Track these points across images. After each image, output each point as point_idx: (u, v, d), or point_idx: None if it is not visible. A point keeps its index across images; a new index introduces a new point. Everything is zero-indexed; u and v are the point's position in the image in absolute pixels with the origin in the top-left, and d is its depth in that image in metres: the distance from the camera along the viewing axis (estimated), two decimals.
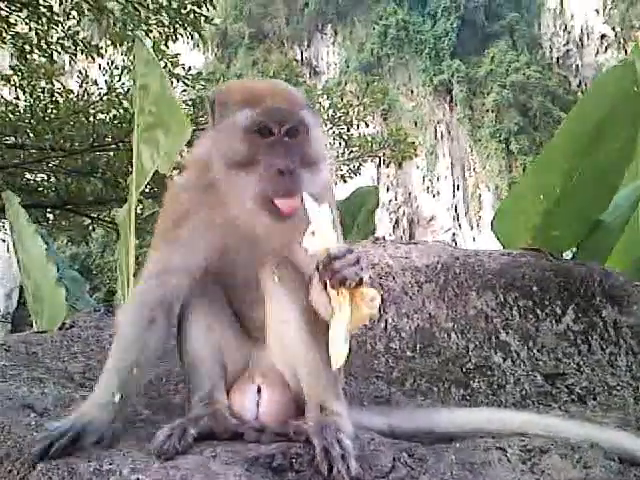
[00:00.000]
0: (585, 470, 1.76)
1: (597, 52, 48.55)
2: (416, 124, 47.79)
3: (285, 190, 1.67)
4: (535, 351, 2.71)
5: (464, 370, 2.60)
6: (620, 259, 3.43)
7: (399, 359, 2.62)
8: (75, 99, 11.13)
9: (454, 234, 44.83)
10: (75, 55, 10.72)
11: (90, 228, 12.75)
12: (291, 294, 1.81)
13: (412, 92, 50.81)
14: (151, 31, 9.91)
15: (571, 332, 2.79)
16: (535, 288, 2.89)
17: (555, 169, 3.20)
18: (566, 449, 1.84)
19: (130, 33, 9.60)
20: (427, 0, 52.04)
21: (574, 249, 3.34)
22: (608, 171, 3.14)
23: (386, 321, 2.75)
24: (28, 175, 11.85)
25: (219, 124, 1.80)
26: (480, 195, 47.86)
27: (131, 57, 10.45)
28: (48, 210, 12.06)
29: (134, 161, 3.29)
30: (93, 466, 1.50)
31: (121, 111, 10.09)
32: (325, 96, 11.45)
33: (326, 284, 1.56)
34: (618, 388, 2.59)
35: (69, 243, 17.08)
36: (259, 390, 1.87)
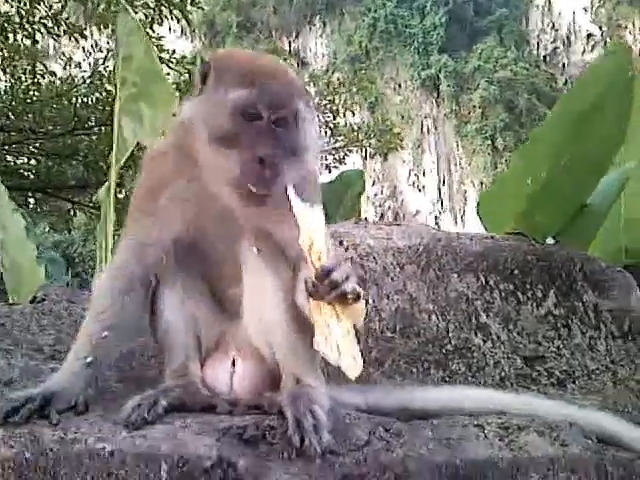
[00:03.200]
0: (562, 448, 1.74)
1: (584, 51, 48.88)
2: (403, 118, 47.83)
3: (262, 180, 1.62)
4: (515, 334, 2.70)
5: (444, 351, 2.58)
6: (603, 244, 3.42)
7: (378, 340, 2.59)
8: (58, 82, 10.97)
9: (437, 224, 44.99)
10: (58, 36, 10.53)
11: (71, 213, 12.58)
12: (269, 268, 1.77)
13: (399, 86, 50.86)
14: (136, 12, 9.75)
15: (552, 316, 2.78)
16: (517, 272, 2.88)
17: (543, 153, 3.18)
18: (544, 427, 1.82)
19: (114, 15, 9.43)
20: None
21: (557, 234, 3.32)
22: (596, 157, 3.12)
23: (366, 302, 2.70)
24: (8, 157, 11.65)
25: (210, 94, 1.73)
26: (465, 191, 48.11)
27: (114, 40, 10.30)
28: (29, 194, 11.88)
29: (114, 134, 3.22)
30: (57, 434, 1.45)
31: (104, 94, 9.94)
32: (312, 83, 11.39)
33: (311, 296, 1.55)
34: (597, 372, 2.59)
35: (51, 230, 16.88)
36: (234, 363, 1.82)
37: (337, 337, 1.53)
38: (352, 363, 1.53)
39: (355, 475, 1.50)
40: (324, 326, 1.54)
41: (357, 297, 1.54)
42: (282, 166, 1.64)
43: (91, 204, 11.82)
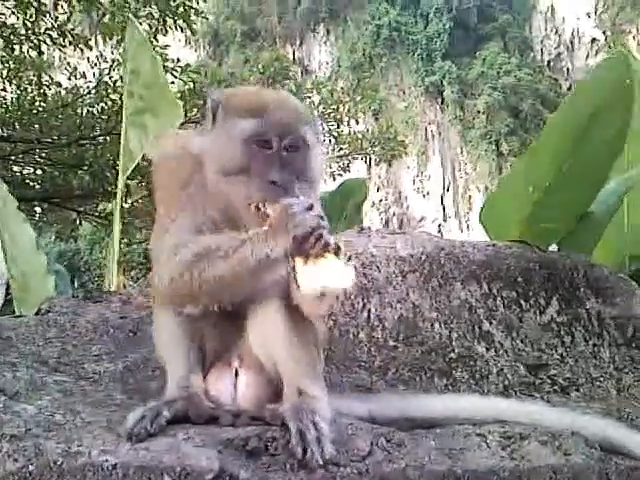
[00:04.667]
0: (565, 457, 1.74)
1: (588, 56, 48.83)
2: (407, 124, 47.86)
3: (275, 197, 1.68)
4: (518, 342, 2.70)
5: (447, 360, 2.57)
6: (606, 251, 3.42)
7: (382, 348, 2.59)
8: (63, 92, 11.05)
9: (440, 231, 44.90)
10: (64, 47, 10.62)
11: (77, 222, 12.63)
12: (273, 280, 1.77)
13: (403, 92, 50.91)
14: (141, 23, 9.82)
15: (555, 323, 2.78)
16: (520, 279, 2.88)
17: (545, 160, 3.19)
18: (546, 436, 1.82)
19: (119, 25, 9.52)
20: (420, 1, 52.13)
21: (560, 241, 3.32)
22: (597, 163, 3.13)
23: (369, 310, 2.72)
24: (15, 167, 11.73)
25: (221, 127, 1.80)
26: (470, 196, 48.03)
27: (121, 49, 10.38)
28: (35, 204, 11.95)
29: (122, 145, 3.25)
30: (61, 447, 1.46)
31: (109, 103, 10.00)
32: (315, 91, 11.42)
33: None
34: (601, 379, 2.58)
35: (57, 240, 16.95)
36: (236, 375, 1.83)
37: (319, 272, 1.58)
38: (342, 274, 1.58)
39: None
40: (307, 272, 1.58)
41: (337, 248, 1.59)
42: (294, 189, 1.70)
43: (97, 213, 11.89)
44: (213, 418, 1.71)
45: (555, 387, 2.52)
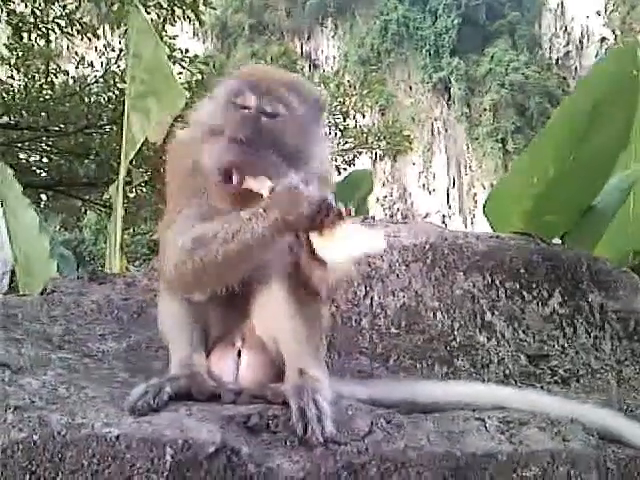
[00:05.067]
0: (563, 443, 1.75)
1: (597, 54, 48.56)
2: (414, 120, 47.76)
3: (235, 156, 1.66)
4: (520, 332, 2.70)
5: (448, 348, 2.59)
6: (609, 245, 3.42)
7: (383, 336, 2.60)
8: (71, 80, 11.07)
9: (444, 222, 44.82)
10: (72, 36, 10.63)
11: (82, 211, 12.67)
12: (276, 261, 1.79)
13: (410, 88, 50.80)
14: (149, 13, 9.82)
15: (557, 315, 2.78)
16: (522, 271, 2.88)
17: (549, 153, 3.19)
18: (545, 422, 1.83)
19: (128, 14, 9.51)
20: None
21: (564, 234, 3.32)
22: (602, 157, 3.12)
23: (372, 298, 2.73)
24: (21, 155, 11.77)
25: (214, 93, 1.83)
26: (475, 193, 47.94)
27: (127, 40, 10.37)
28: (40, 191, 11.99)
29: (124, 131, 3.26)
30: (65, 419, 1.48)
31: (117, 92, 10.02)
32: (322, 84, 11.42)
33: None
34: (601, 371, 2.59)
35: (62, 229, 17.00)
36: (239, 354, 1.85)
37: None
38: (374, 238, 1.59)
39: (356, 464, 1.52)
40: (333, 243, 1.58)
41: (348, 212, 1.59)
42: (264, 153, 1.66)
43: (102, 202, 11.91)
44: (215, 396, 1.72)
45: (555, 378, 2.53)
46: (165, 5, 9.78)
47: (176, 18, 10.08)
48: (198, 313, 1.87)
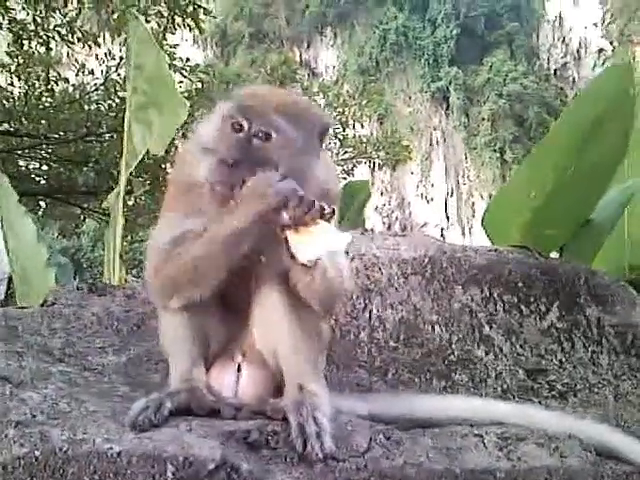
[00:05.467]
0: (561, 459, 1.76)
1: (594, 65, 48.83)
2: (412, 130, 47.90)
3: (221, 177, 1.69)
4: (518, 346, 2.72)
5: (446, 362, 2.60)
6: (607, 259, 3.44)
7: (382, 349, 2.61)
8: (71, 88, 11.10)
9: (442, 235, 44.88)
10: (72, 44, 10.67)
11: (81, 218, 12.67)
12: (276, 276, 1.80)
13: (409, 98, 50.96)
14: (149, 22, 9.88)
15: (555, 329, 2.80)
16: (520, 285, 2.90)
17: (547, 166, 3.21)
18: (543, 438, 1.84)
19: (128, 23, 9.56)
20: (428, 6, 52.19)
21: (561, 248, 3.34)
22: (599, 170, 3.15)
23: (370, 311, 2.74)
24: (20, 162, 11.78)
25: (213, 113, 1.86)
26: (473, 203, 48.03)
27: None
28: (39, 198, 12.00)
29: (125, 142, 3.28)
30: (66, 434, 1.49)
31: (117, 100, 10.05)
32: (321, 94, 11.47)
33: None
34: (599, 386, 2.60)
35: (59, 236, 16.98)
36: (239, 369, 1.86)
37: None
38: (339, 236, 1.63)
39: None
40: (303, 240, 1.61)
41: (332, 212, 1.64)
42: (248, 173, 1.68)
43: (100, 210, 11.91)
44: (215, 411, 1.73)
45: (553, 392, 2.54)
46: (165, 14, 9.83)
47: (176, 26, 10.14)
48: (198, 327, 1.88)
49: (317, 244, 1.61)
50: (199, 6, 9.72)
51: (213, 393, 1.81)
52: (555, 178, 3.23)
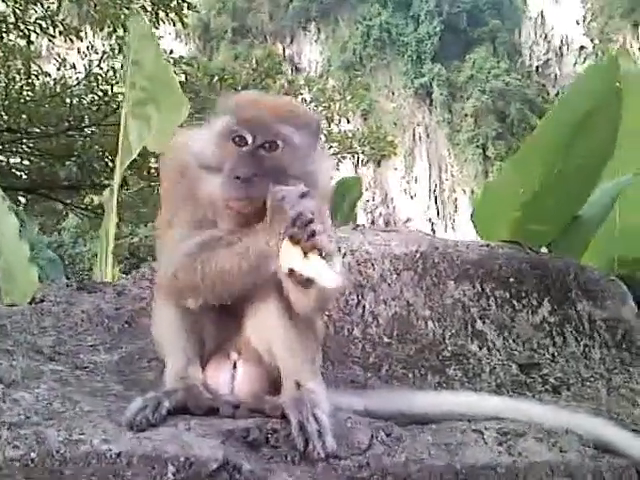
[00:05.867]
0: (561, 454, 1.76)
1: (575, 63, 49.32)
2: (395, 125, 48.02)
3: (237, 194, 1.66)
4: (511, 341, 2.72)
5: (440, 358, 2.59)
6: (595, 255, 3.46)
7: (376, 345, 2.60)
8: (52, 82, 10.95)
9: (432, 229, 45.10)
10: (53, 37, 10.52)
11: (63, 214, 12.51)
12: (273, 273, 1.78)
13: (393, 94, 51.08)
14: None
15: (546, 324, 2.81)
16: (512, 280, 2.90)
17: (536, 163, 3.22)
18: (542, 433, 1.85)
19: (113, 16, 9.46)
20: (411, 3, 52.30)
21: (550, 243, 3.36)
22: (588, 167, 3.16)
23: (364, 307, 2.73)
24: (1, 157, 11.59)
25: (207, 124, 1.82)
26: (456, 198, 48.32)
27: (112, 42, 10.29)
28: (21, 194, 11.82)
29: (120, 137, 3.22)
30: (62, 435, 1.45)
31: (100, 94, 9.93)
32: (307, 88, 11.42)
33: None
34: (591, 380, 2.61)
35: (41, 231, 16.77)
36: (235, 366, 1.83)
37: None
38: (330, 274, 1.56)
39: (358, 479, 1.52)
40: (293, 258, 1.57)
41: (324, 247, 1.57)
42: (263, 186, 1.66)
43: (83, 205, 11.79)
44: (212, 409, 1.71)
45: (546, 386, 2.55)
46: (149, 8, 9.72)
47: (160, 21, 10.02)
48: (194, 324, 1.85)
49: (301, 264, 1.57)
50: (183, 0, 9.61)
51: (210, 391, 1.78)
52: (544, 174, 3.24)
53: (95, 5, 9.91)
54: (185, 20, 10.46)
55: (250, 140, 1.71)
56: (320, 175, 1.81)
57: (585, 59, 48.30)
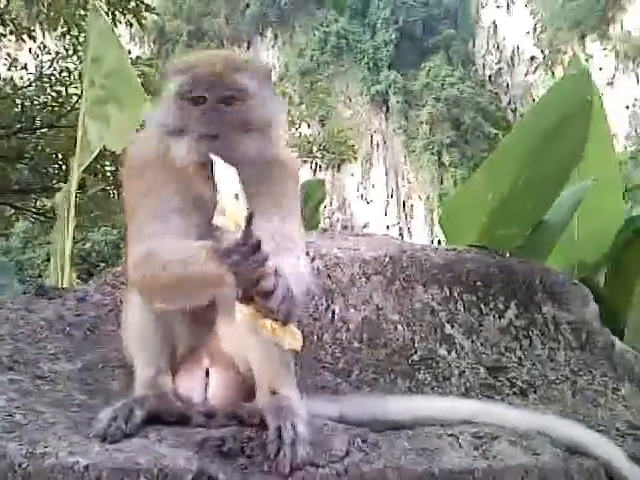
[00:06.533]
0: (535, 457, 1.77)
1: (527, 72, 50.74)
2: (352, 130, 48.33)
3: (206, 152, 1.62)
4: (479, 344, 2.73)
5: (410, 362, 2.58)
6: (558, 258, 3.52)
7: (346, 350, 2.58)
8: (2, 82, 10.59)
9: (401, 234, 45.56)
10: (4, 35, 10.18)
11: (13, 218, 12.09)
12: None
13: (350, 100, 51.43)
14: (87, 16, 9.53)
15: (513, 327, 2.83)
16: (479, 283, 2.92)
17: (505, 170, 3.25)
18: (514, 436, 1.85)
19: (67, 14, 9.22)
20: (367, 11, 52.86)
21: (516, 248, 3.40)
22: (555, 174, 3.21)
23: (333, 312, 2.70)
24: None
25: (162, 94, 1.79)
26: (412, 205, 48.93)
27: (66, 42, 10.03)
28: None
29: (78, 137, 3.10)
30: (25, 449, 1.37)
31: (53, 94, 9.64)
32: None
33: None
34: (557, 382, 2.64)
35: None
36: (207, 373, 1.77)
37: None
38: (293, 335, 1.52)
39: None
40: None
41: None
42: (231, 141, 1.64)
43: (34, 209, 11.41)
44: (184, 418, 1.65)
45: (514, 389, 2.57)
46: (105, 9, 9.50)
47: (117, 22, 9.82)
48: (165, 329, 1.79)
49: (258, 323, 1.49)
50: (141, 2, 9.44)
51: (181, 399, 1.72)
52: (513, 181, 3.27)
53: (49, 5, 9.64)
54: (142, 22, 10.28)
55: (207, 96, 1.68)
56: (278, 122, 1.80)
57: (536, 69, 49.75)
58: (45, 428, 1.51)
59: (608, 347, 2.85)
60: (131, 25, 10.14)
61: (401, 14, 51.76)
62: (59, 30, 10.25)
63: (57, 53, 10.49)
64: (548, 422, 2.00)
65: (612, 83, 45.26)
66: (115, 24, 9.84)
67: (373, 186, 50.30)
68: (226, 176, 1.56)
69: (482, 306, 2.86)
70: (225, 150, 1.61)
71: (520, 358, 2.72)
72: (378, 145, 51.12)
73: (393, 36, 51.18)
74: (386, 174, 50.50)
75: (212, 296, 1.69)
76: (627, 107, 45.01)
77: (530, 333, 2.82)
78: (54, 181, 10.10)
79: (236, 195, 1.52)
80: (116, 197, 9.62)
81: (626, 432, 2.29)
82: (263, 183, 1.75)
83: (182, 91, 1.70)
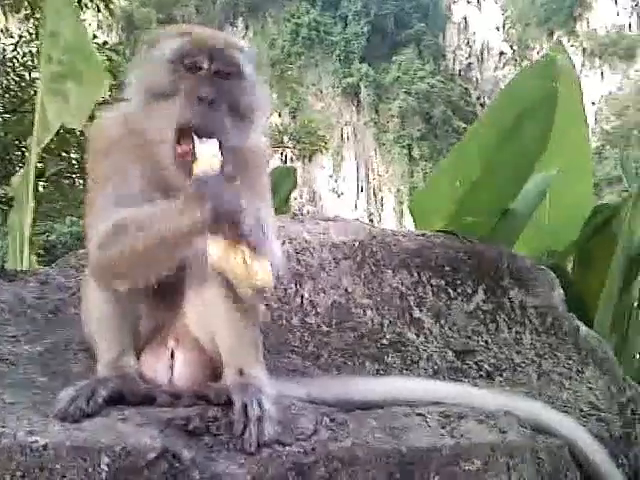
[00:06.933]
0: (501, 435, 1.78)
1: (496, 67, 51.34)
2: (324, 123, 48.33)
3: (200, 115, 1.57)
4: (447, 328, 2.75)
5: (379, 345, 2.58)
6: (526, 245, 3.56)
7: (314, 334, 2.56)
8: None
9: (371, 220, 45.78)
10: None
11: None
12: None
13: (321, 92, 51.39)
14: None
15: (480, 311, 2.86)
16: (447, 268, 2.93)
17: (472, 157, 3.27)
18: (482, 415, 1.87)
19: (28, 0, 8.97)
20: (339, 3, 52.79)
21: (483, 235, 3.42)
22: (521, 161, 3.24)
23: (302, 296, 2.69)
24: None
25: (147, 57, 1.72)
26: (382, 197, 49.21)
27: (29, 25, 9.76)
28: None
29: (36, 115, 2.99)
30: None
31: (16, 79, 9.39)
32: None
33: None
34: (523, 365, 2.67)
35: None
36: (172, 354, 1.74)
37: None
38: (264, 268, 1.51)
39: (304, 464, 1.47)
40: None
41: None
42: (219, 114, 1.60)
43: None
44: (149, 398, 1.61)
45: (481, 372, 2.59)
46: None
47: (83, 7, 9.59)
48: (127, 309, 1.74)
49: (229, 261, 1.51)
50: None
51: (145, 380, 1.68)
52: (479, 170, 3.30)
53: None
54: (111, 7, 10.07)
55: (205, 66, 1.63)
56: (263, 110, 1.77)
57: (504, 64, 50.37)
58: (3, 408, 1.46)
59: (573, 331, 2.89)
60: (99, 10, 9.91)
61: (373, 7, 51.84)
62: (22, 13, 9.97)
63: (20, 37, 10.21)
64: (515, 403, 2.02)
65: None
66: (82, 9, 9.62)
67: (344, 179, 50.41)
68: (208, 142, 1.56)
69: (450, 291, 2.88)
70: (207, 119, 1.58)
71: (487, 342, 2.74)
72: (349, 138, 51.20)
73: (365, 29, 51.26)
74: (357, 167, 50.65)
75: (185, 257, 1.65)
76: (593, 103, 45.98)
77: (497, 317, 2.85)
78: (16, 168, 9.84)
79: (214, 155, 1.53)
80: (82, 187, 9.42)
81: (589, 413, 2.34)
82: (239, 167, 1.71)
83: (179, 55, 1.64)
